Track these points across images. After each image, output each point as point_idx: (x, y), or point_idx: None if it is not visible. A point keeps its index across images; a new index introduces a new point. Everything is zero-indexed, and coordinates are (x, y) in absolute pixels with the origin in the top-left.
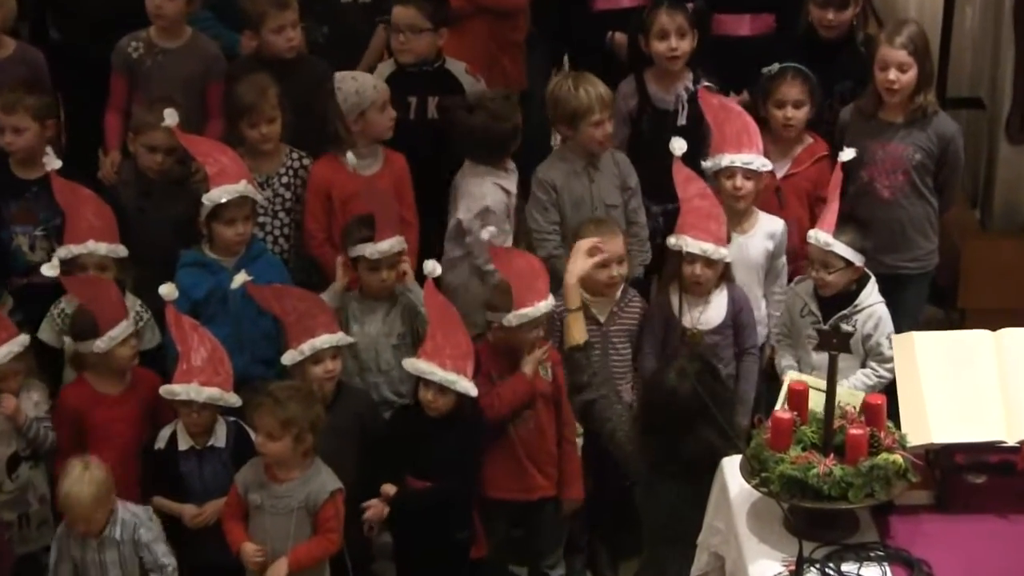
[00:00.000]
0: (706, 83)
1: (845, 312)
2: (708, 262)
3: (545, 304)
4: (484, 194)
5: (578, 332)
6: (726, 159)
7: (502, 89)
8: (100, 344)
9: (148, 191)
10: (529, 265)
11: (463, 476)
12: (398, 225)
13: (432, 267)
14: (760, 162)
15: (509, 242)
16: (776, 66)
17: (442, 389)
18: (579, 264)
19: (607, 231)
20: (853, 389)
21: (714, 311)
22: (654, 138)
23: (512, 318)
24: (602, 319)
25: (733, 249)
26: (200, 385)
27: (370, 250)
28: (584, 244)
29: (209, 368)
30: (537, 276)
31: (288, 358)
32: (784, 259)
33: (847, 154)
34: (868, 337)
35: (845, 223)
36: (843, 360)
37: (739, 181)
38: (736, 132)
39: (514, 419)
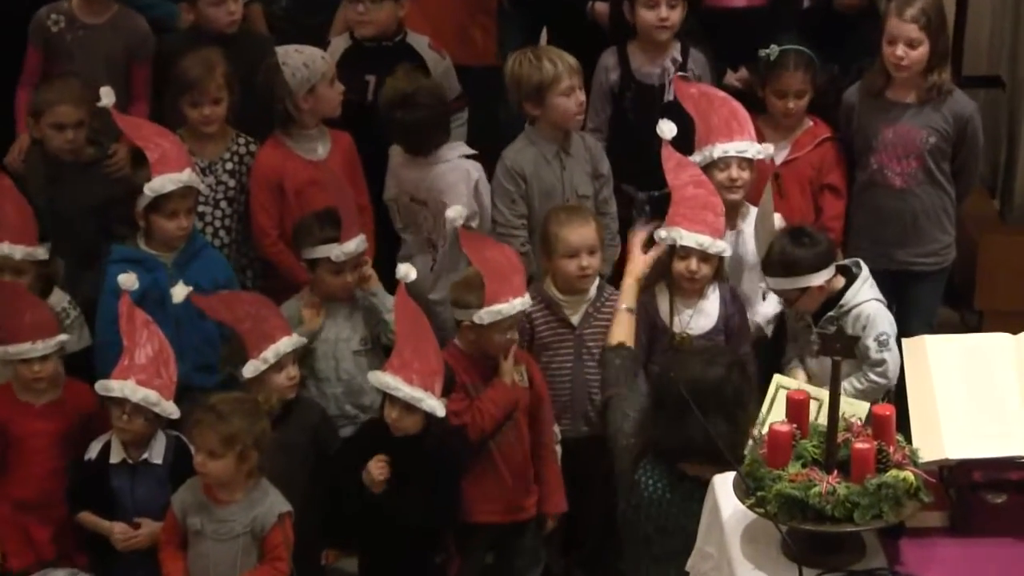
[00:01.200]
0: (680, 72)
1: (831, 314)
2: (705, 257)
3: (521, 302)
4: (465, 171)
5: (623, 332)
6: (718, 149)
7: (414, 72)
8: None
9: (57, 177)
10: (505, 256)
11: (449, 504)
12: (359, 220)
13: (406, 271)
14: (755, 149)
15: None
16: (775, 49)
17: (408, 407)
18: (638, 263)
19: (578, 218)
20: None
21: (705, 314)
22: (638, 116)
23: (484, 315)
24: (575, 321)
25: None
26: (137, 384)
27: (336, 252)
28: (637, 240)
29: (151, 368)
30: (514, 270)
31: (251, 370)
32: None
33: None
34: (856, 340)
35: (778, 242)
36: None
37: (734, 172)
38: (724, 119)
39: (494, 433)
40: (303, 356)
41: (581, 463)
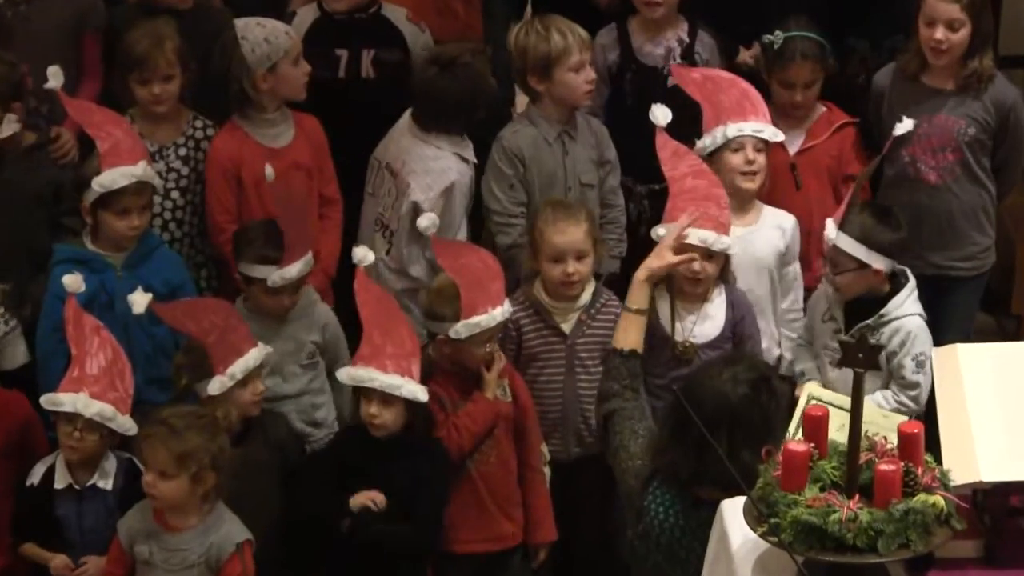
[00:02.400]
0: (685, 56)
1: (869, 323)
2: (708, 255)
3: (501, 311)
4: (447, 168)
5: (631, 336)
6: (731, 128)
7: (467, 41)
8: None
9: None
10: (482, 263)
11: (434, 517)
12: (310, 238)
13: (363, 254)
14: (771, 131)
15: (463, 229)
16: (780, 36)
17: (386, 399)
18: (656, 261)
19: (567, 217)
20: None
21: (711, 320)
22: (638, 101)
23: (461, 328)
24: (567, 329)
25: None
26: (90, 397)
27: (274, 277)
28: (670, 238)
29: (105, 379)
30: (492, 277)
31: (217, 387)
32: (797, 267)
33: (904, 125)
34: (892, 355)
35: (864, 209)
36: None
37: (750, 153)
38: (735, 99)
39: (473, 453)
40: None
41: (574, 487)
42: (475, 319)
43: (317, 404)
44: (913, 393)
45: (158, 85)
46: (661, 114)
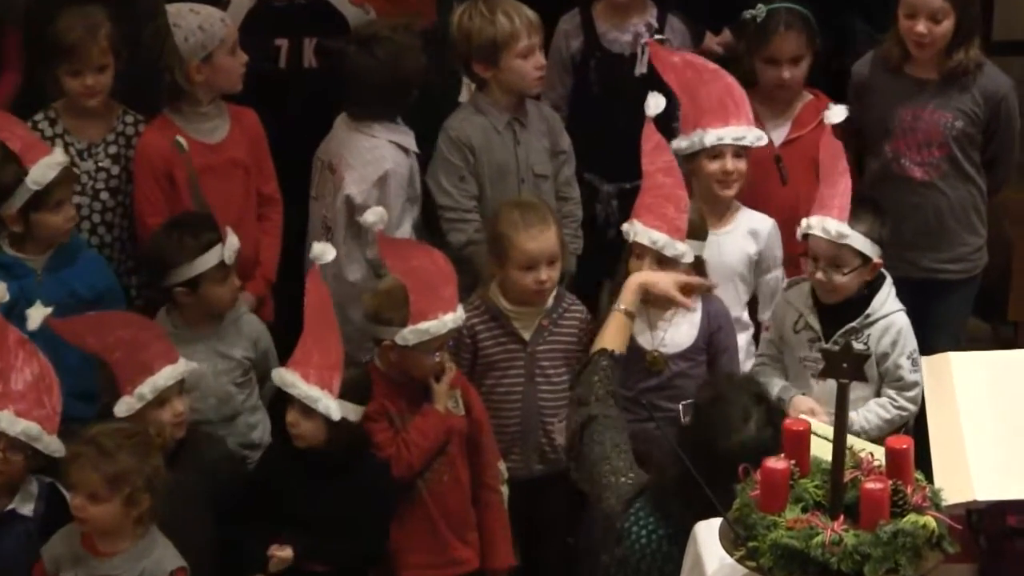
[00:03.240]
0: (658, 35)
1: (854, 325)
2: (659, 260)
3: (453, 318)
4: (381, 158)
5: (620, 337)
6: (710, 135)
7: (399, 17)
8: None
9: None
10: (434, 264)
11: (376, 531)
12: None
13: (321, 251)
14: (754, 135)
15: (405, 226)
16: (762, 9)
17: (306, 410)
18: (659, 281)
19: (538, 221)
20: (865, 426)
21: (683, 329)
22: (604, 91)
23: (408, 335)
24: (526, 336)
25: (705, 248)
26: (15, 415)
27: (228, 253)
28: (688, 281)
29: (31, 396)
30: (444, 280)
31: (124, 408)
32: (778, 274)
33: (836, 113)
34: (884, 357)
35: (860, 205)
36: (851, 389)
37: (729, 163)
38: (716, 98)
39: (423, 471)
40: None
41: (535, 507)
42: (424, 325)
43: (252, 424)
44: (912, 394)
45: (91, 76)
46: (654, 103)
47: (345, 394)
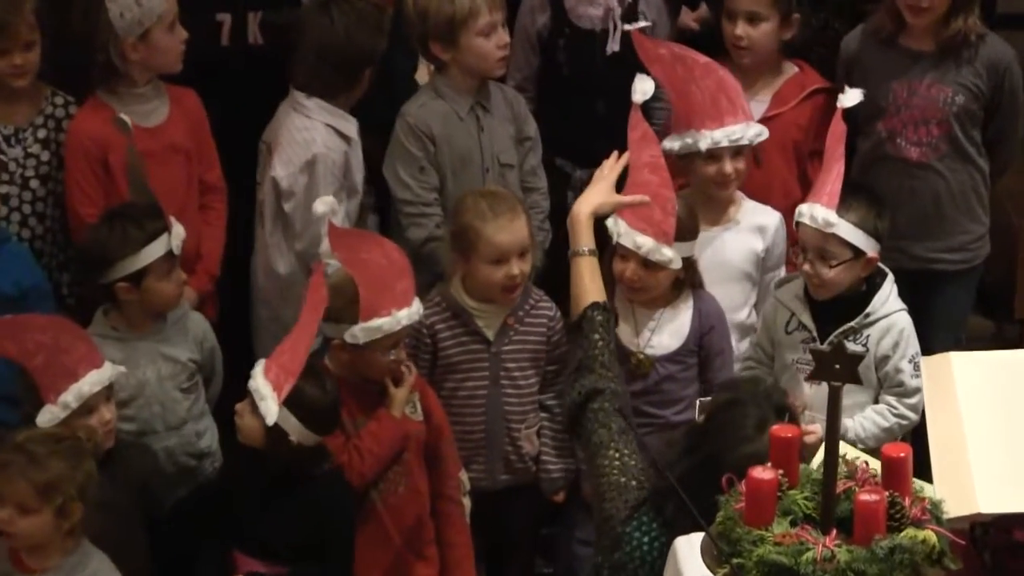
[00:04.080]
0: (640, 22)
1: (852, 325)
2: (645, 264)
3: (407, 314)
4: (311, 140)
5: (597, 283)
6: (705, 138)
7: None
8: None
9: None
10: (386, 257)
11: (342, 547)
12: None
13: (328, 205)
14: (752, 132)
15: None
16: None
17: (254, 404)
18: (599, 197)
19: (507, 211)
20: (861, 434)
21: (672, 330)
22: (574, 70)
23: (359, 332)
24: (491, 335)
25: (704, 248)
26: None
27: (175, 243)
28: (612, 163)
29: None
30: (398, 274)
31: (47, 418)
32: (783, 272)
33: (852, 96)
34: (884, 360)
35: (853, 194)
36: (848, 394)
37: (727, 165)
38: (710, 95)
39: (377, 482)
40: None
41: (500, 520)
42: (376, 322)
43: (200, 431)
44: (914, 401)
45: (19, 54)
46: (642, 88)
47: (307, 418)
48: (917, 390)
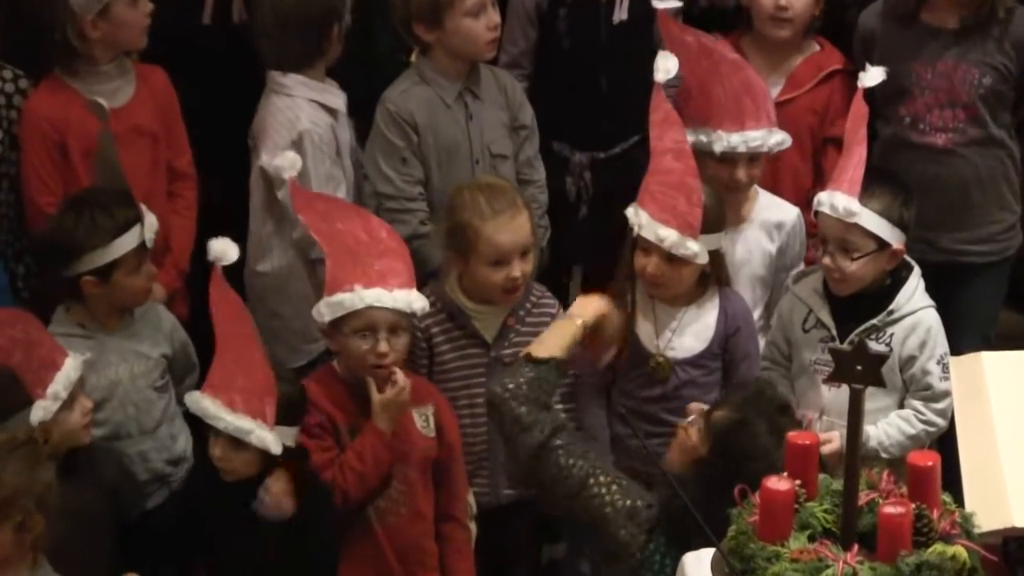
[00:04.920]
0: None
1: (874, 322)
2: (669, 258)
3: (375, 294)
4: (295, 118)
5: (557, 343)
6: (720, 140)
7: None
8: None
9: None
10: (368, 233)
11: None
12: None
13: (221, 250)
14: (774, 140)
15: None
16: None
17: (235, 443)
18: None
19: (507, 207)
20: (885, 442)
21: (695, 331)
22: (576, 45)
23: (323, 308)
24: (489, 337)
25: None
26: None
27: (148, 235)
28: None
29: None
30: (379, 253)
31: (39, 414)
32: (802, 267)
33: (873, 75)
34: (910, 360)
35: (876, 180)
36: (870, 398)
37: (741, 172)
38: (733, 94)
39: (373, 500)
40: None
41: (503, 539)
42: (338, 297)
43: (175, 434)
44: (942, 405)
45: None
46: (665, 66)
47: (277, 415)
48: (946, 393)
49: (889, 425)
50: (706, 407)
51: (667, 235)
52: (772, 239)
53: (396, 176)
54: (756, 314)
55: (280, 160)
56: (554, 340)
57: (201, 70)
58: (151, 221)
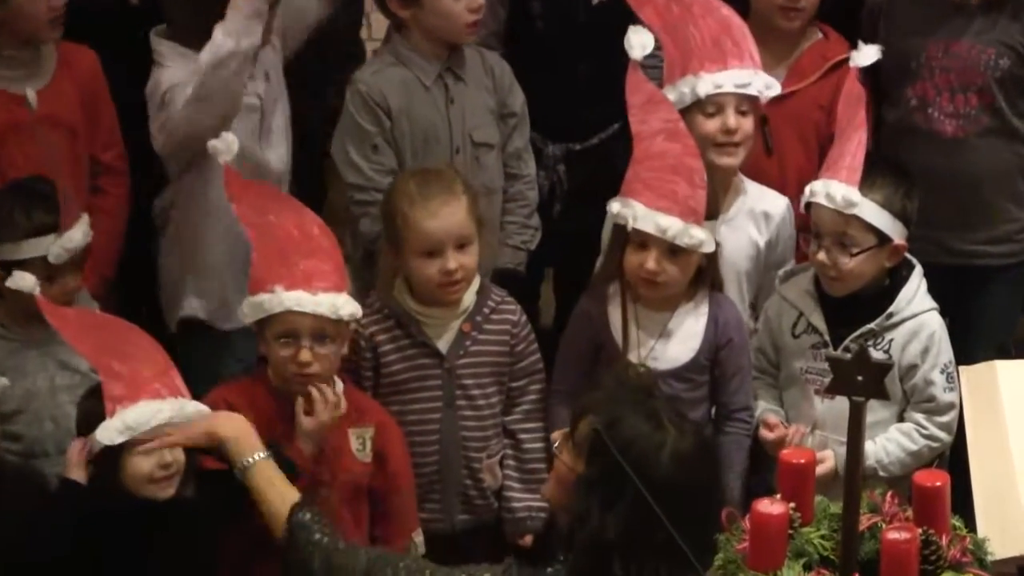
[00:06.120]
0: None
1: (872, 327)
2: (671, 251)
3: (296, 297)
4: (158, 79)
5: (273, 487)
6: (705, 82)
7: None
8: None
9: None
10: (300, 228)
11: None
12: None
13: (18, 281)
14: (762, 81)
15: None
16: None
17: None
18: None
19: (440, 191)
20: (884, 459)
21: (681, 338)
22: (551, 26)
23: (246, 308)
24: (443, 347)
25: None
26: None
27: (56, 250)
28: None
29: None
30: (309, 251)
31: None
32: (792, 265)
33: (867, 54)
34: (912, 369)
35: (877, 168)
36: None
37: (731, 118)
38: (711, 36)
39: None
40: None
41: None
42: (259, 297)
43: None
44: (946, 419)
45: None
46: (638, 41)
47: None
48: (951, 406)
49: (888, 441)
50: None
51: (669, 224)
52: (760, 231)
53: (366, 165)
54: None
55: (216, 142)
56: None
57: (132, 51)
58: (71, 236)
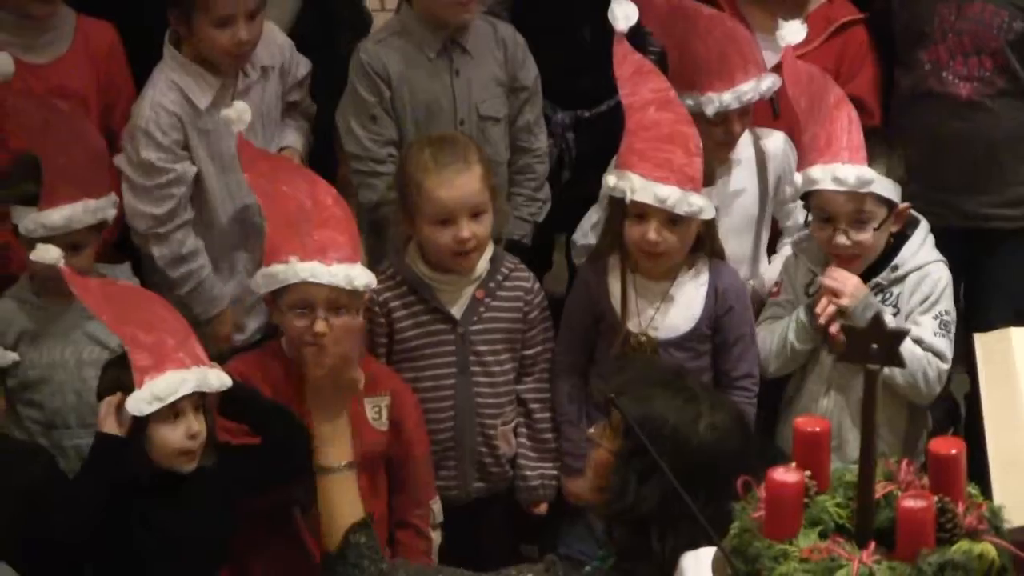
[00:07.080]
0: None
1: (879, 280)
2: (670, 220)
3: (310, 268)
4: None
5: (346, 499)
6: (712, 102)
7: None
8: None
9: None
10: (313, 198)
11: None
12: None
13: (237, 114)
14: (765, 85)
15: None
16: None
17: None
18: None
19: (453, 160)
20: None
21: (681, 307)
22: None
23: (259, 278)
24: (456, 313)
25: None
26: None
27: (27, 223)
28: None
29: None
30: (322, 221)
31: None
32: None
33: (792, 30)
34: (908, 315)
35: (867, 140)
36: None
37: (735, 126)
38: (717, 49)
39: (301, 506)
40: (21, 390)
41: (474, 538)
42: (273, 268)
43: None
44: (935, 366)
45: None
46: (623, 13)
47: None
48: (940, 353)
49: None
50: None
51: (668, 193)
52: (765, 174)
53: (364, 135)
54: (746, 268)
55: (228, 111)
56: (340, 507)
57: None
58: (49, 215)
